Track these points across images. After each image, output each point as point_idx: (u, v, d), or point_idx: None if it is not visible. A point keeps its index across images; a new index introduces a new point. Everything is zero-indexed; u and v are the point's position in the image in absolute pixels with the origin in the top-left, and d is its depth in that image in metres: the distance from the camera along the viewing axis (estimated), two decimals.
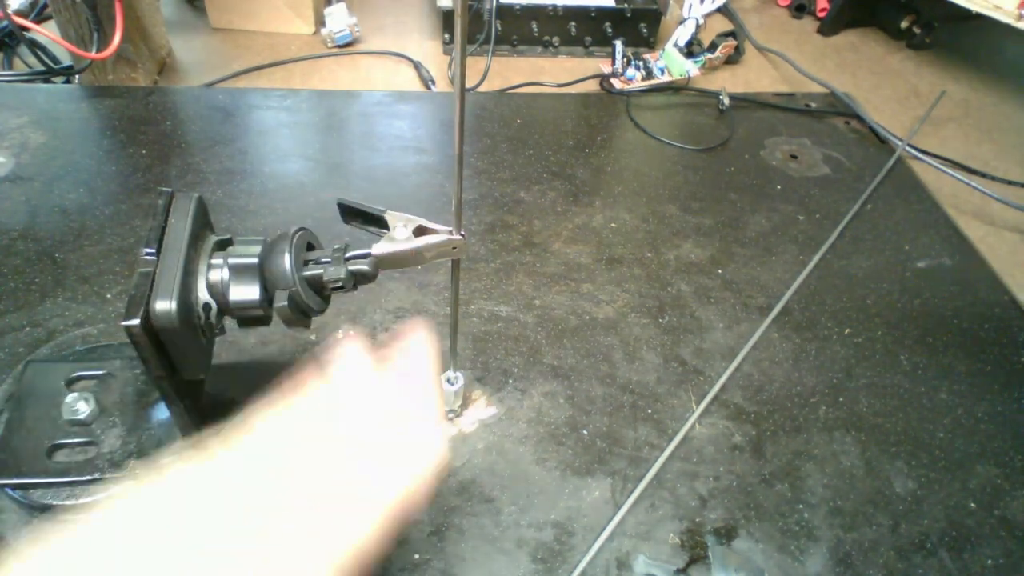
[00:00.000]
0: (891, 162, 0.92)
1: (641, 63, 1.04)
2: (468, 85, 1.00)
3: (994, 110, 1.11)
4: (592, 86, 1.05)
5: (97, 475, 0.48)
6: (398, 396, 0.36)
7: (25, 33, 0.87)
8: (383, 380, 0.36)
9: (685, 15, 1.16)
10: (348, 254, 0.45)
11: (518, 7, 1.06)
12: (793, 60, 1.13)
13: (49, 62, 0.90)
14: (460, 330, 0.64)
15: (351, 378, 0.36)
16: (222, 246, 0.46)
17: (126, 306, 0.39)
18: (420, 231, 0.45)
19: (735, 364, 0.64)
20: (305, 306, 0.44)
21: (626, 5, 1.09)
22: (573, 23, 1.09)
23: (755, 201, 0.84)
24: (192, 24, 1.12)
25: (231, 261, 0.44)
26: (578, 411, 0.60)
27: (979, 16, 1.03)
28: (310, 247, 0.47)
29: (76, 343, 0.60)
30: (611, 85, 1.03)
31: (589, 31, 1.10)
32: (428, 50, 1.11)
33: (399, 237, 0.45)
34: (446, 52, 1.10)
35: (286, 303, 0.43)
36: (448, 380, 0.55)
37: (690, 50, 1.08)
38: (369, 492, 0.32)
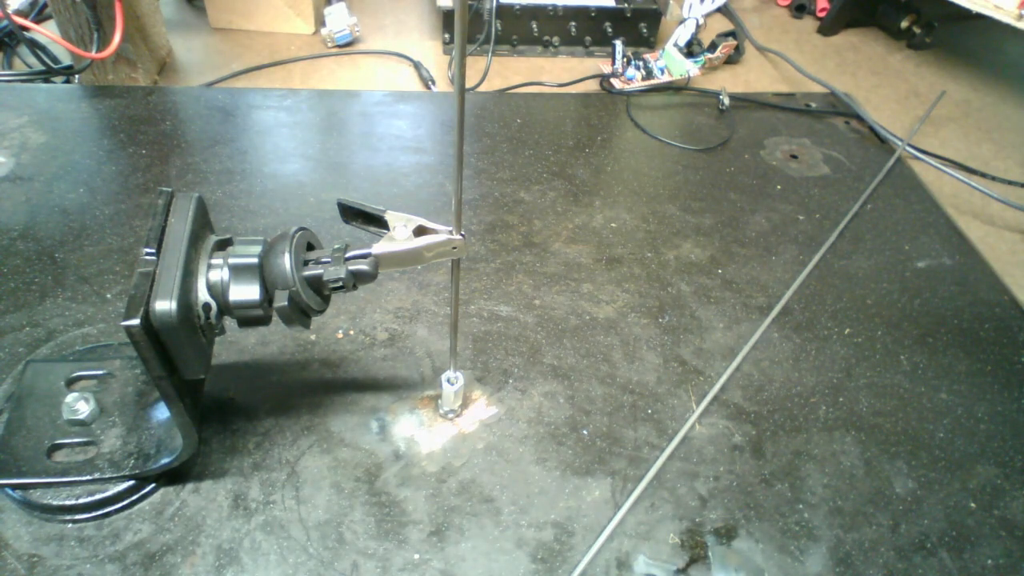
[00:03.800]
0: (891, 162, 0.92)
1: (641, 63, 1.04)
2: (468, 85, 1.00)
3: (994, 110, 1.11)
4: (592, 86, 1.05)
5: (97, 475, 0.48)
6: None
7: (25, 33, 0.87)
8: None
9: (685, 15, 1.16)
10: (348, 254, 0.45)
11: (518, 7, 1.06)
12: (793, 60, 1.13)
13: (49, 62, 0.90)
14: (460, 330, 0.64)
15: None
16: (222, 246, 0.46)
17: (126, 306, 0.39)
18: (420, 231, 0.45)
19: (735, 364, 0.64)
20: (305, 306, 0.44)
21: (626, 5, 1.09)
22: (573, 23, 1.09)
23: (755, 201, 0.84)
24: (192, 24, 1.12)
25: (231, 261, 0.44)
26: (578, 411, 0.60)
27: (979, 16, 1.03)
28: (310, 247, 0.47)
29: (76, 343, 0.60)
30: (611, 85, 1.03)
31: (589, 31, 1.10)
32: (428, 50, 1.11)
33: (399, 237, 0.45)
34: (446, 52, 1.10)
35: (286, 303, 0.43)
36: (448, 380, 0.55)
37: (690, 50, 1.08)
38: None
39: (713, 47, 1.10)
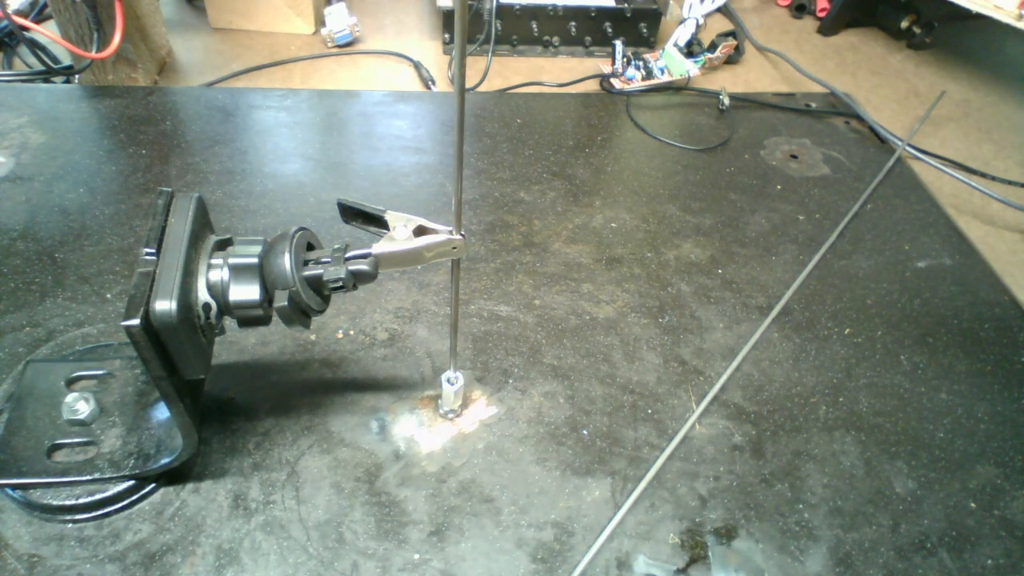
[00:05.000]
0: (891, 162, 0.92)
1: (641, 63, 1.04)
2: (468, 85, 1.00)
3: (994, 110, 1.11)
4: (592, 86, 1.05)
5: (97, 475, 0.48)
6: None
7: (25, 33, 0.87)
8: None
9: (685, 15, 1.16)
10: (348, 254, 0.45)
11: (518, 7, 1.06)
12: (793, 60, 1.13)
13: (49, 62, 0.90)
14: (460, 330, 0.64)
15: None
16: (222, 246, 0.46)
17: (126, 306, 0.39)
18: (420, 231, 0.45)
19: (735, 364, 0.64)
20: (305, 306, 0.44)
21: (626, 5, 1.09)
22: (573, 23, 1.09)
23: (755, 201, 0.84)
24: (192, 24, 1.12)
25: (231, 261, 0.44)
26: (578, 411, 0.60)
27: (979, 16, 1.03)
28: (310, 247, 0.47)
29: (76, 343, 0.60)
30: (611, 85, 1.03)
31: (589, 31, 1.10)
32: (428, 50, 1.11)
33: (399, 237, 0.45)
34: (446, 52, 1.10)
35: (286, 303, 0.43)
36: (448, 380, 0.55)
37: (690, 50, 1.08)
38: None
39: (713, 47, 1.10)
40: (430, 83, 1.02)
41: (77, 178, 0.76)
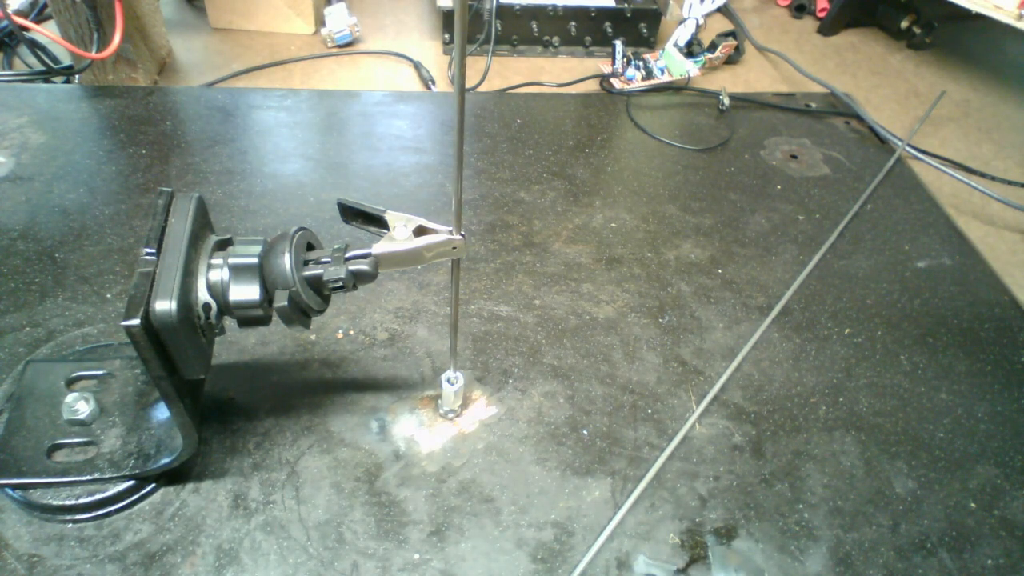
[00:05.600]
0: (891, 162, 0.92)
1: (641, 63, 1.04)
2: (468, 85, 1.00)
3: (994, 110, 1.11)
4: (592, 86, 1.05)
5: (97, 475, 0.48)
6: None
7: (25, 33, 0.87)
8: None
9: (685, 15, 1.16)
10: (348, 254, 0.45)
11: (518, 7, 1.06)
12: (793, 60, 1.13)
13: (49, 62, 0.90)
14: (460, 330, 0.64)
15: None
16: (222, 246, 0.46)
17: (126, 306, 0.39)
18: (420, 231, 0.45)
19: (735, 364, 0.64)
20: (305, 306, 0.44)
21: (626, 5, 1.09)
22: (573, 23, 1.09)
23: (755, 201, 0.84)
24: (192, 24, 1.12)
25: (231, 261, 0.44)
26: (578, 411, 0.60)
27: (979, 16, 1.03)
28: (310, 247, 0.47)
29: (76, 343, 0.60)
30: (611, 85, 1.03)
31: (589, 31, 1.10)
32: (428, 50, 1.11)
33: (399, 237, 0.45)
34: (446, 52, 1.10)
35: (286, 303, 0.43)
36: (448, 380, 0.55)
37: (690, 50, 1.08)
38: None
39: (713, 47, 1.10)
40: (430, 83, 1.02)
41: (77, 178, 0.76)
